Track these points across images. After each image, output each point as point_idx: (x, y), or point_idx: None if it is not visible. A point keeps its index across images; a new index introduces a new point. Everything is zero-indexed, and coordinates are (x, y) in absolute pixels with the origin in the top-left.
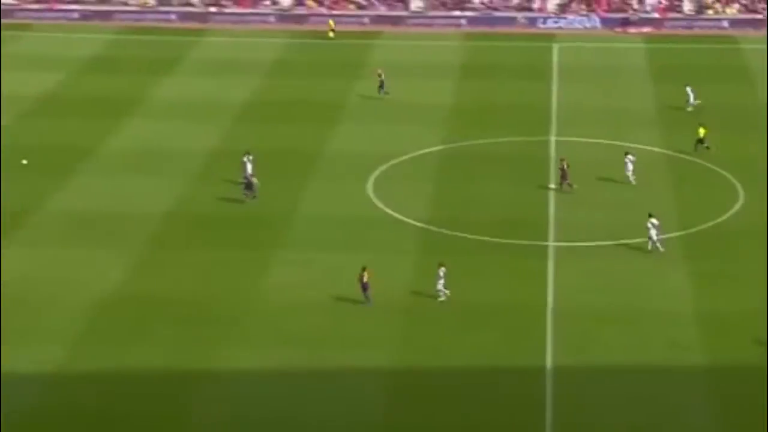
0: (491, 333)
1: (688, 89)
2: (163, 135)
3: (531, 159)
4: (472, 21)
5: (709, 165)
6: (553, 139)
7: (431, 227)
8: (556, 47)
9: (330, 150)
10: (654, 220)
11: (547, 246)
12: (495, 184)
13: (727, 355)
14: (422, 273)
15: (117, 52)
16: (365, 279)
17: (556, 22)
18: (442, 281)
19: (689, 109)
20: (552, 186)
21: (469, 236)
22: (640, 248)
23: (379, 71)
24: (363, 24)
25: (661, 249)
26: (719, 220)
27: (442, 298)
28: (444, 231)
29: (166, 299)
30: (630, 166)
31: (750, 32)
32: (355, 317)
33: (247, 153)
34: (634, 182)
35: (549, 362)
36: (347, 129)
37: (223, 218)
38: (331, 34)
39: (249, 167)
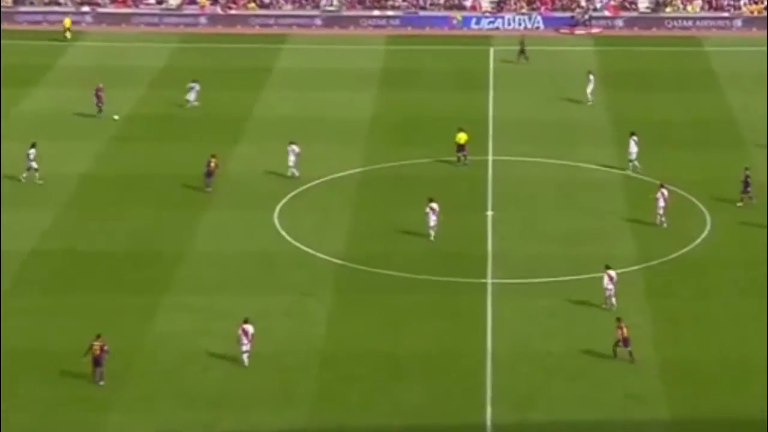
0: (420, 387)
1: None
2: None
3: (465, 181)
4: (394, 22)
5: (672, 188)
6: (490, 158)
7: (348, 263)
8: (492, 51)
9: (230, 172)
10: None
11: (485, 283)
12: (422, 212)
13: (692, 410)
14: (339, 318)
15: None
16: (97, 351)
17: (491, 23)
18: (246, 341)
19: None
20: (489, 213)
21: (393, 273)
22: (592, 284)
23: (100, 85)
24: (268, 26)
25: None
26: (684, 250)
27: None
28: (363, 268)
29: (34, 353)
30: (292, 157)
31: (714, 32)
32: (260, 371)
33: (34, 144)
34: (298, 175)
35: (489, 420)
36: (248, 149)
37: (98, 256)
38: (67, 35)
39: (32, 157)
